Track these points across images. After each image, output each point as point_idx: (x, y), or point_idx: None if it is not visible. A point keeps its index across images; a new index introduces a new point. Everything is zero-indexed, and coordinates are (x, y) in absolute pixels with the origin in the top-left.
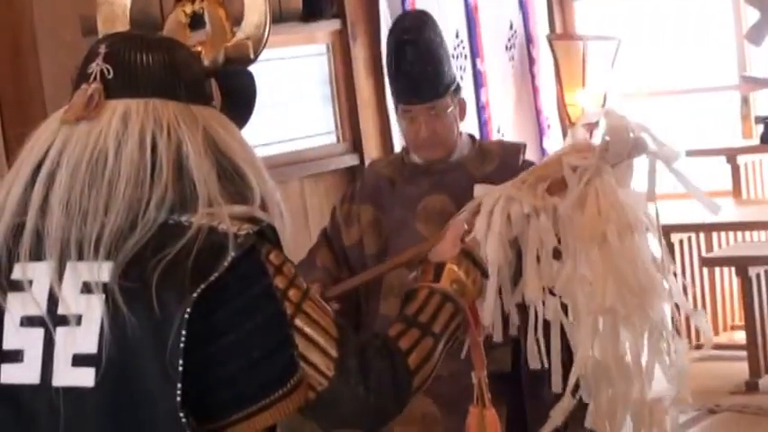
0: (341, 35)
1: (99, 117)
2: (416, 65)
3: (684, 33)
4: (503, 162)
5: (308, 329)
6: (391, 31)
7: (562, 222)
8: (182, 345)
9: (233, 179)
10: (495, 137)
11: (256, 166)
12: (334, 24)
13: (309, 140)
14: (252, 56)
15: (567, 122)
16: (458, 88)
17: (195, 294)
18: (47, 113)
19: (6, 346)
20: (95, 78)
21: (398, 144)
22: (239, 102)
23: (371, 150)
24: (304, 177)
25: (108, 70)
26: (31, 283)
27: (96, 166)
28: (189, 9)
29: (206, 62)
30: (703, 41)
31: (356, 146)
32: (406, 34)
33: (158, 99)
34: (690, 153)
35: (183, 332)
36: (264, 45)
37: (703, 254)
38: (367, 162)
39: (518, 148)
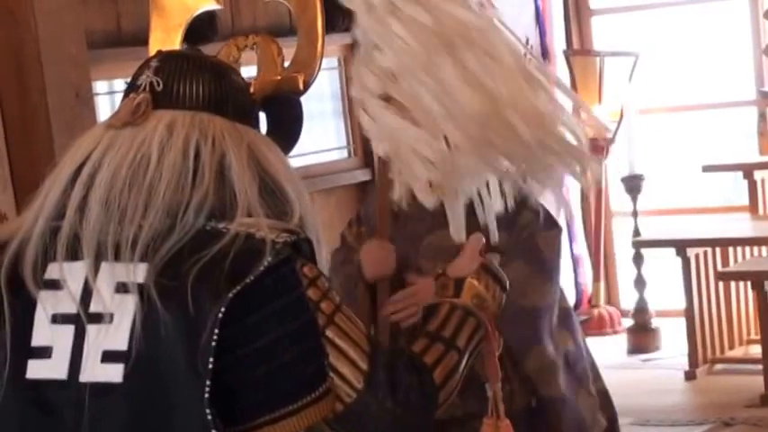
0: (353, 49)
1: (145, 124)
2: None
3: (702, 48)
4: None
5: (338, 341)
6: None
7: None
8: (213, 343)
9: (273, 195)
10: None
11: (298, 187)
12: (346, 38)
13: (321, 155)
14: (302, 89)
15: None
16: None
17: (231, 294)
18: (51, 127)
19: (35, 342)
20: (144, 89)
21: None
22: (285, 129)
23: None
24: (315, 192)
25: (158, 83)
26: (65, 281)
27: (138, 168)
28: (242, 44)
29: (255, 94)
30: (721, 56)
31: (368, 161)
32: None
33: (205, 114)
34: (707, 168)
35: (216, 331)
36: (315, 78)
37: (719, 268)
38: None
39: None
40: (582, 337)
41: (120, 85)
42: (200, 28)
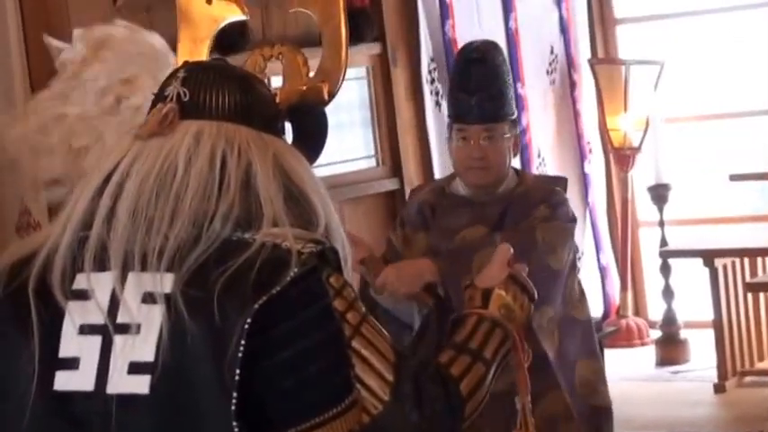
0: (381, 59)
1: (172, 134)
2: (481, 83)
3: (728, 56)
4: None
5: (365, 352)
6: (460, 52)
7: None
8: (240, 354)
9: (299, 205)
10: (535, 161)
11: (323, 196)
12: (375, 48)
13: (349, 164)
14: (326, 99)
15: (608, 147)
16: (516, 122)
17: (257, 305)
18: None
19: (63, 353)
20: (171, 99)
21: (438, 168)
22: (311, 138)
23: (411, 174)
24: (343, 201)
25: (185, 93)
26: (93, 292)
27: (165, 177)
28: (267, 54)
29: (280, 104)
30: (747, 65)
31: (396, 170)
32: (476, 53)
33: (231, 124)
34: (734, 177)
35: (243, 342)
36: (340, 87)
37: (747, 279)
38: (407, 187)
39: (558, 186)
40: (576, 352)
41: None
42: (232, 38)
